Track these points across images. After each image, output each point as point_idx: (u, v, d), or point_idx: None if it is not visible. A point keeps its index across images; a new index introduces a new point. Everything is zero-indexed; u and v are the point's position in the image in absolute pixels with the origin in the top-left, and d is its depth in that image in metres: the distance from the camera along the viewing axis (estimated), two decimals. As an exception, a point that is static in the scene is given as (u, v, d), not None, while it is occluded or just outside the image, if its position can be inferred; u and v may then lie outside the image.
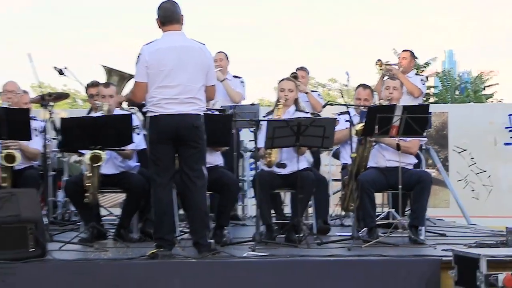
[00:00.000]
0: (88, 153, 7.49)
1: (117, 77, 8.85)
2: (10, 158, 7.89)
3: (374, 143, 7.67)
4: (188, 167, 6.59)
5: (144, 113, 7.87)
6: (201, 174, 6.60)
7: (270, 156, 7.65)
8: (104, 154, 7.51)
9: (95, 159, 7.48)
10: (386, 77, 8.85)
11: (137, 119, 7.94)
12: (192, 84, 6.56)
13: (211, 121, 7.26)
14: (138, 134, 7.82)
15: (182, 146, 6.56)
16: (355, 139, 7.64)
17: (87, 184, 7.53)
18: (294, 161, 7.53)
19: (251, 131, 8.08)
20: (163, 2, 6.68)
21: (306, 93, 10.17)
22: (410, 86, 9.74)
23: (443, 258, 6.25)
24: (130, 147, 7.69)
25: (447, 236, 8.22)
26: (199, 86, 6.59)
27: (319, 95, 10.89)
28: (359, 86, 8.63)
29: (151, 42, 6.66)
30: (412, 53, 10.23)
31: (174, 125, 6.50)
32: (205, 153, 6.72)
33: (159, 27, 6.69)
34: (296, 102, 7.93)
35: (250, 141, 9.18)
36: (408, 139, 7.75)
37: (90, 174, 7.53)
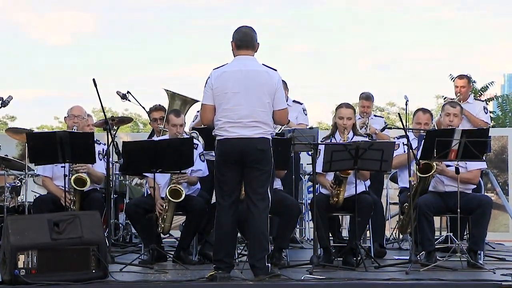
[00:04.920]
0: (167, 188, 7.58)
1: (180, 101, 8.77)
2: (80, 182, 7.90)
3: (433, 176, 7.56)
4: (252, 190, 6.54)
5: (204, 137, 7.99)
6: (264, 197, 6.53)
7: (338, 196, 7.53)
8: (183, 191, 7.58)
9: (175, 194, 7.57)
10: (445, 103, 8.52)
11: (201, 146, 7.94)
12: (256, 108, 6.50)
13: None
14: (203, 161, 7.87)
15: (247, 168, 6.51)
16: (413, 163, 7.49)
17: (163, 216, 7.63)
18: (352, 185, 7.46)
19: (309, 155, 7.98)
20: (242, 25, 6.67)
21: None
22: (476, 122, 9.28)
23: (503, 283, 6.15)
24: (196, 174, 7.77)
25: (507, 260, 8.05)
26: (264, 110, 6.52)
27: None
28: (418, 110, 8.46)
29: (220, 66, 6.64)
30: (469, 79, 9.81)
31: (238, 148, 6.47)
32: (272, 177, 6.63)
33: (233, 50, 6.65)
34: (353, 127, 7.87)
35: (308, 164, 9.08)
36: (470, 168, 7.64)
37: (167, 207, 7.63)
